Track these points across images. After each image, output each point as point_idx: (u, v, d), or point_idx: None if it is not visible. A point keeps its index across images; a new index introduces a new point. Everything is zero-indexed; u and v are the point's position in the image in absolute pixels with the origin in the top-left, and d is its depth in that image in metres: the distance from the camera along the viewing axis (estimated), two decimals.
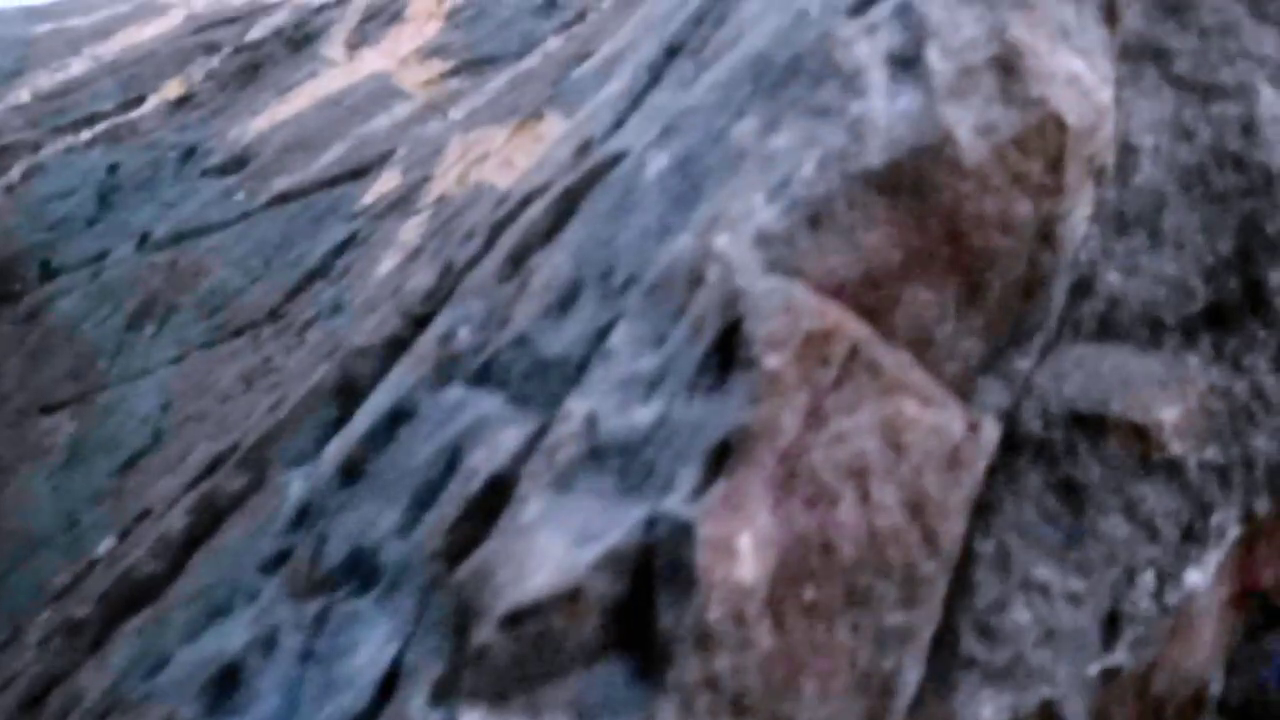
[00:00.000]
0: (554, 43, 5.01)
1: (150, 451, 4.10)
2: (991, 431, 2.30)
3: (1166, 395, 2.41)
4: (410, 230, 4.24)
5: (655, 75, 2.80)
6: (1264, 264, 2.53)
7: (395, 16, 5.77)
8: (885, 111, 2.13)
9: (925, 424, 2.20)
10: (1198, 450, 2.42)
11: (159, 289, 4.65)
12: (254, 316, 4.34)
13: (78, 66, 6.11)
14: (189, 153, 5.32)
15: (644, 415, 2.09)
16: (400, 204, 4.39)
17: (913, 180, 2.15)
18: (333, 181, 4.74)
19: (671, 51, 2.82)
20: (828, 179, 2.11)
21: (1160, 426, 2.35)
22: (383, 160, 4.73)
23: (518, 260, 2.59)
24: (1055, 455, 2.35)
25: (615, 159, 2.58)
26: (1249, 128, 2.53)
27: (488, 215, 2.87)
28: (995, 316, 2.37)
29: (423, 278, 2.85)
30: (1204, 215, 2.51)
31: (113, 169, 5.33)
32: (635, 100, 2.82)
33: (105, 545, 3.83)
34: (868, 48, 2.14)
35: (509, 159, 3.83)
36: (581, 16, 5.08)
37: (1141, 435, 2.36)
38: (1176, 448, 2.39)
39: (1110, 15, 2.37)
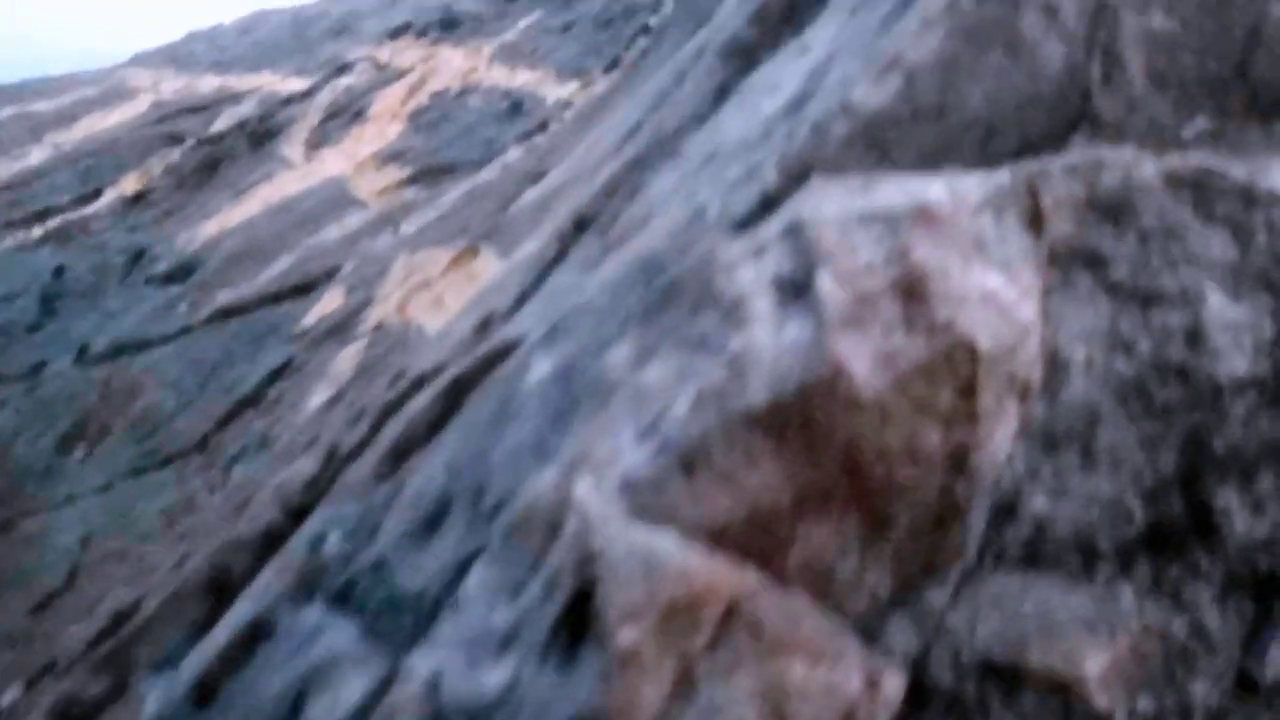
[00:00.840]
0: (514, 153, 4.83)
1: (65, 591, 3.91)
2: (894, 684, 2.07)
3: (1094, 640, 2.18)
4: (345, 360, 4.05)
5: (563, 248, 2.61)
6: (1211, 484, 2.30)
7: (358, 115, 5.60)
8: (770, 344, 1.92)
9: (814, 685, 1.98)
10: (1127, 701, 2.19)
11: (93, 408, 4.47)
12: (183, 445, 4.15)
13: (37, 155, 5.96)
14: (137, 257, 5.15)
15: (492, 680, 1.88)
16: (340, 329, 4.21)
17: (801, 417, 1.94)
18: (276, 297, 4.56)
19: (581, 224, 2.62)
20: (703, 419, 1.89)
21: (1084, 680, 2.12)
22: (329, 276, 4.55)
23: (398, 458, 2.39)
24: (966, 711, 2.12)
25: (507, 349, 2.38)
26: (1194, 337, 2.31)
27: (381, 395, 2.67)
28: (905, 549, 2.15)
29: (306, 464, 2.65)
30: (1143, 431, 2.29)
31: (59, 272, 5.17)
32: (541, 274, 2.62)
33: (10, 697, 3.65)
34: (753, 273, 1.93)
35: (441, 297, 3.64)
36: (543, 126, 4.91)
37: (1063, 688, 2.13)
38: (1103, 700, 2.16)
39: (1036, 222, 2.16)
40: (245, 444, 4.02)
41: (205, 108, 6.17)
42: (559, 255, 2.63)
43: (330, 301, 4.39)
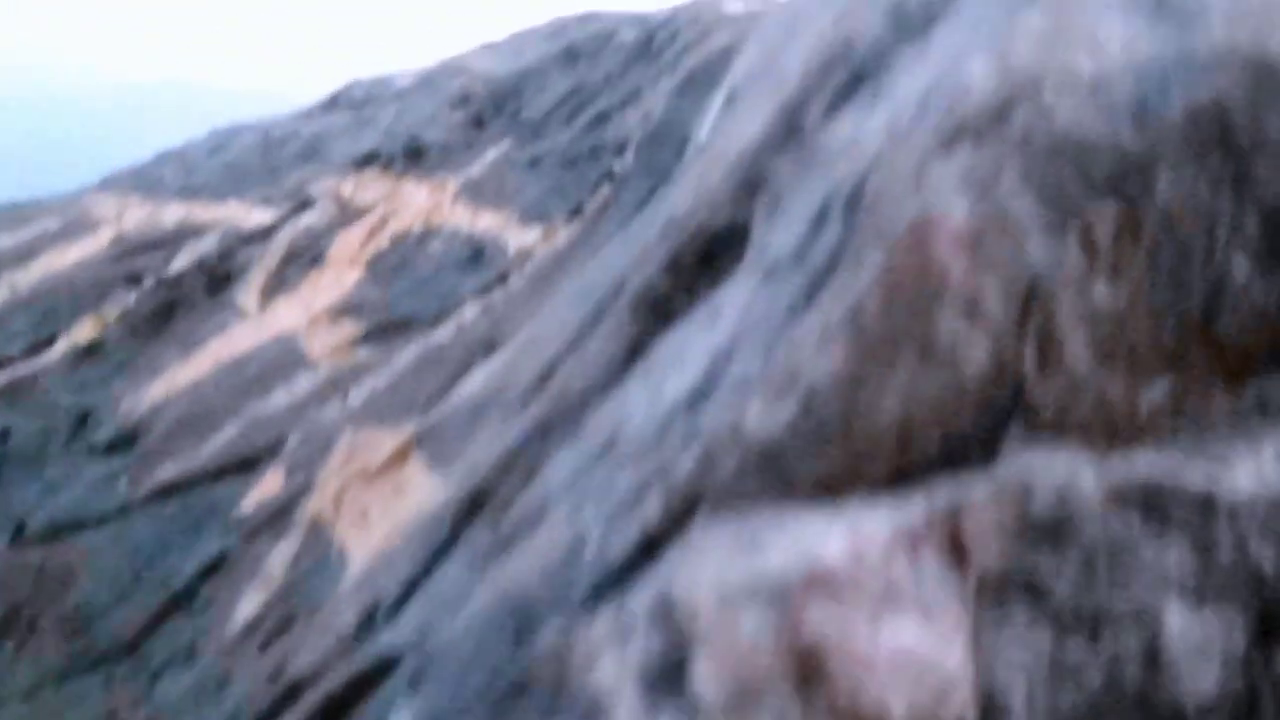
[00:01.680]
0: (469, 310, 4.59)
1: None
2: None
3: None
4: (277, 560, 3.81)
5: (455, 534, 2.36)
6: None
7: (316, 259, 5.37)
8: None
9: None
10: None
11: (26, 597, 4.24)
12: (112, 646, 3.92)
13: None
14: (82, 420, 4.93)
15: None
16: (277, 518, 3.97)
17: None
18: (218, 474, 4.33)
19: (476, 503, 2.37)
20: None
21: None
22: (272, 451, 4.31)
23: None
24: None
25: (379, 670, 2.12)
26: (1152, 659, 2.02)
27: (261, 693, 2.42)
28: None
29: None
30: None
31: (4, 436, 4.95)
32: (431, 559, 2.37)
33: None
34: (616, 663, 1.66)
35: (366, 512, 3.40)
36: (503, 278, 4.67)
37: None
38: None
39: (959, 554, 1.89)
40: (173, 652, 3.78)
41: (166, 243, 5.96)
42: (450, 539, 2.39)
43: (270, 484, 4.15)
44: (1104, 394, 2.16)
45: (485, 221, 5.07)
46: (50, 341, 5.54)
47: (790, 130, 2.49)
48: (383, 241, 5.32)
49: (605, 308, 2.70)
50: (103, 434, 4.83)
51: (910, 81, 2.28)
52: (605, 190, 4.66)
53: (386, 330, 4.74)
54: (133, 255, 5.96)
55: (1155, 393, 2.20)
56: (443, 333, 4.54)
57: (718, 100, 3.39)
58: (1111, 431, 2.15)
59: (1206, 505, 2.02)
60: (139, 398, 4.93)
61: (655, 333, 2.47)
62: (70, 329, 5.57)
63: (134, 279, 5.79)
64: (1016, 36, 2.05)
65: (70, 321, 5.60)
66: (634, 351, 2.47)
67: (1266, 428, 2.19)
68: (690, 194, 2.62)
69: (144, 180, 6.88)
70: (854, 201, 2.10)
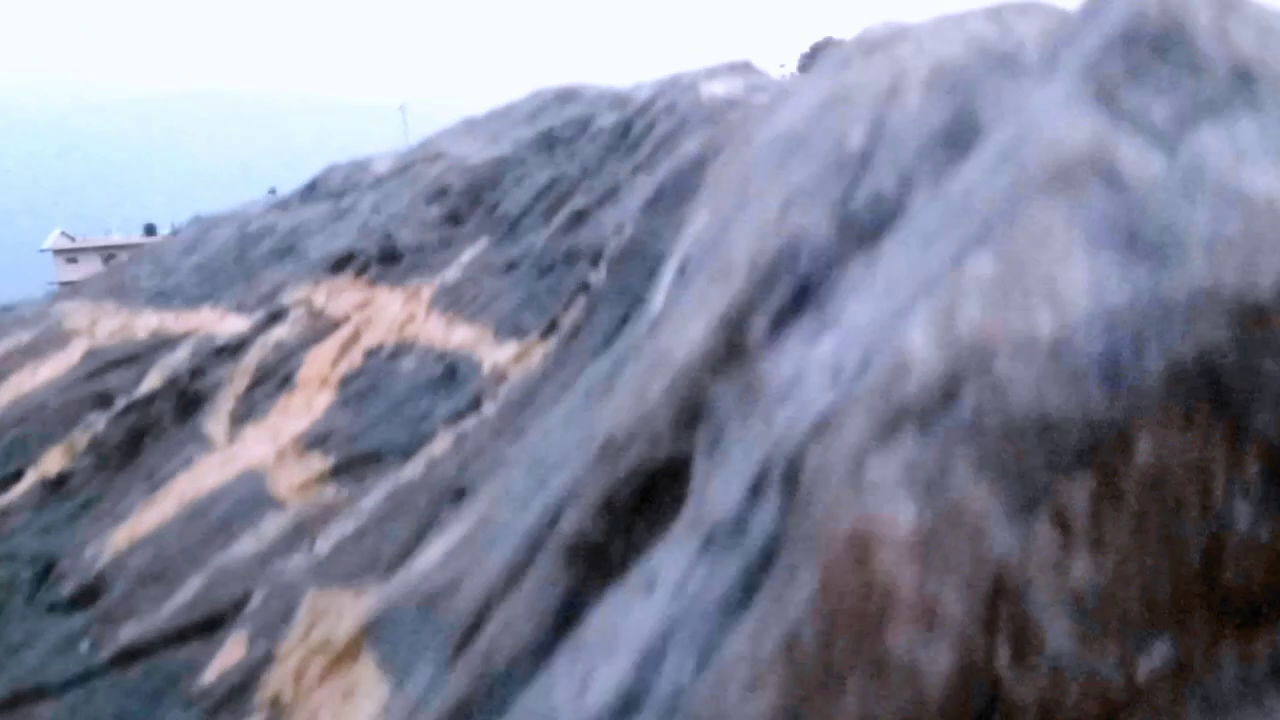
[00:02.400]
0: (441, 441, 4.35)
1: None
2: None
3: None
4: None
5: None
6: None
7: (285, 381, 5.14)
8: None
9: None
10: None
11: None
12: None
13: None
14: (46, 571, 4.72)
15: None
16: (237, 697, 3.74)
17: None
18: (180, 636, 4.10)
19: None
20: None
21: None
22: (236, 609, 4.08)
23: None
24: None
25: None
26: None
27: None
28: None
29: None
30: None
31: None
32: None
33: None
34: None
35: (317, 716, 3.16)
36: (477, 404, 4.43)
37: None
38: None
39: None
40: None
41: (138, 356, 5.75)
42: None
43: (233, 651, 3.92)
44: (1094, 673, 1.88)
45: (459, 336, 4.83)
46: (18, 476, 5.33)
47: (733, 347, 2.23)
48: (355, 359, 5.09)
49: (540, 544, 2.46)
50: (66, 588, 4.62)
51: (856, 312, 2.01)
52: (580, 304, 4.42)
53: (355, 464, 4.50)
54: (104, 372, 5.75)
55: (1154, 659, 1.93)
56: (412, 469, 4.31)
57: (672, 266, 3.14)
58: (1108, 715, 1.88)
59: None
60: (103, 545, 4.71)
61: (588, 590, 2.22)
62: (39, 460, 5.36)
63: (105, 400, 5.58)
64: (964, 290, 1.78)
65: (39, 452, 5.40)
66: (566, 613, 2.22)
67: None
68: (630, 407, 2.36)
69: (119, 284, 6.68)
70: (791, 477, 1.84)
